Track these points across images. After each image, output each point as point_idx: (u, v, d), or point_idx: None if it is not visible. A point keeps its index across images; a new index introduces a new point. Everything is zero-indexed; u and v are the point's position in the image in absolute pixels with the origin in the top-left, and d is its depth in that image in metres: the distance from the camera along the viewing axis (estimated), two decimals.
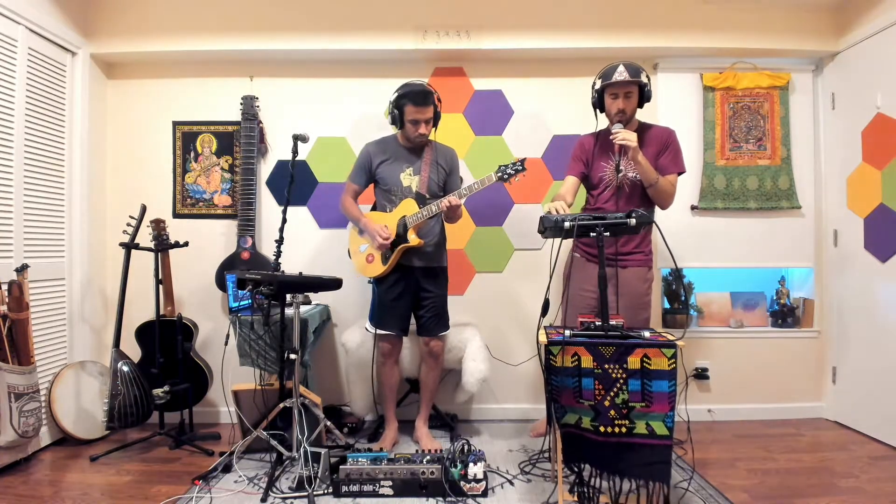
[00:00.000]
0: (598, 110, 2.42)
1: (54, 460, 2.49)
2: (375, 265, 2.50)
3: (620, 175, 2.36)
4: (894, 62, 2.62)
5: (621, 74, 2.24)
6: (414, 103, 2.39)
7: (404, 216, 2.44)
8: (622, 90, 2.27)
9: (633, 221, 1.90)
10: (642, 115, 2.46)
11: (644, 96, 2.32)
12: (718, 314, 3.21)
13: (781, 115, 3.07)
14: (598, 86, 2.33)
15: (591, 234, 1.93)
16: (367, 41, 2.94)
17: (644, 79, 2.28)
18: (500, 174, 2.32)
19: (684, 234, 3.06)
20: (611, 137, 2.24)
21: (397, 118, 2.46)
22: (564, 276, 2.55)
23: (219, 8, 2.94)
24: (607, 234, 1.94)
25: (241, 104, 2.97)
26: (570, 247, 2.57)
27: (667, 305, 3.16)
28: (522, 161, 2.32)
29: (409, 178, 2.50)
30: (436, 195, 2.46)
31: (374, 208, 2.61)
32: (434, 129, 2.51)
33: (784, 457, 2.50)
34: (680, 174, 2.38)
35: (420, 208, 2.40)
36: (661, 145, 2.35)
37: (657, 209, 2.45)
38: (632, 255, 2.38)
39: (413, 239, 2.41)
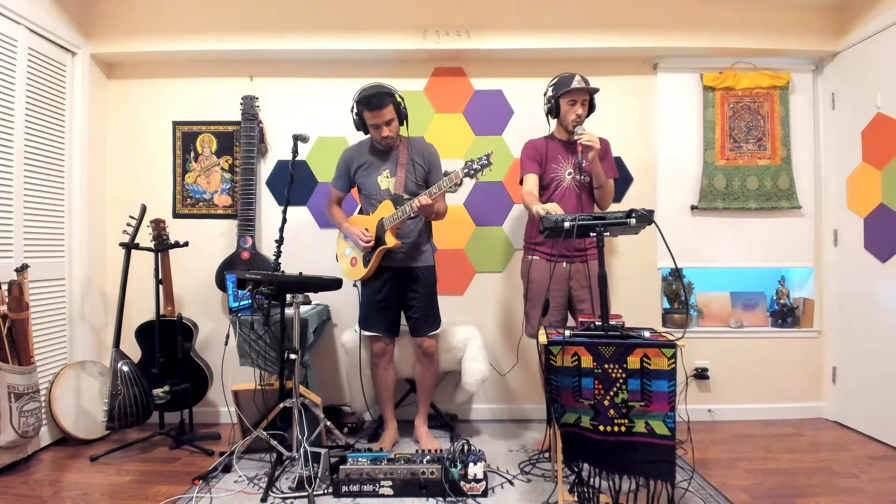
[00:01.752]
0: (549, 116, 2.56)
1: (54, 460, 2.49)
2: (358, 268, 2.51)
3: (571, 176, 2.51)
4: (894, 62, 2.62)
5: (580, 83, 2.42)
6: (368, 108, 2.34)
7: (382, 218, 2.44)
8: (580, 97, 2.44)
9: (633, 221, 1.90)
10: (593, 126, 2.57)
11: (591, 107, 2.50)
12: (718, 314, 3.21)
13: (781, 115, 3.07)
14: (554, 92, 2.47)
15: (591, 233, 1.94)
16: (367, 41, 2.94)
17: (594, 89, 2.45)
18: (466, 170, 2.25)
19: (684, 234, 3.06)
20: (575, 138, 2.39)
21: (360, 125, 2.45)
22: (523, 278, 2.63)
23: (219, 8, 2.94)
24: (607, 233, 1.95)
25: (241, 104, 2.97)
26: (524, 251, 2.66)
27: (667, 305, 3.16)
28: (488, 156, 2.25)
29: (387, 181, 2.49)
30: (415, 194, 2.41)
31: (360, 212, 2.63)
32: (403, 125, 2.46)
33: (784, 457, 2.50)
34: (615, 180, 2.62)
35: (396, 209, 2.40)
36: (603, 152, 2.51)
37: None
38: (591, 249, 2.51)
39: (390, 240, 2.40)
